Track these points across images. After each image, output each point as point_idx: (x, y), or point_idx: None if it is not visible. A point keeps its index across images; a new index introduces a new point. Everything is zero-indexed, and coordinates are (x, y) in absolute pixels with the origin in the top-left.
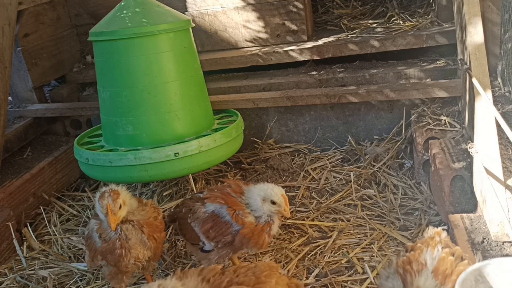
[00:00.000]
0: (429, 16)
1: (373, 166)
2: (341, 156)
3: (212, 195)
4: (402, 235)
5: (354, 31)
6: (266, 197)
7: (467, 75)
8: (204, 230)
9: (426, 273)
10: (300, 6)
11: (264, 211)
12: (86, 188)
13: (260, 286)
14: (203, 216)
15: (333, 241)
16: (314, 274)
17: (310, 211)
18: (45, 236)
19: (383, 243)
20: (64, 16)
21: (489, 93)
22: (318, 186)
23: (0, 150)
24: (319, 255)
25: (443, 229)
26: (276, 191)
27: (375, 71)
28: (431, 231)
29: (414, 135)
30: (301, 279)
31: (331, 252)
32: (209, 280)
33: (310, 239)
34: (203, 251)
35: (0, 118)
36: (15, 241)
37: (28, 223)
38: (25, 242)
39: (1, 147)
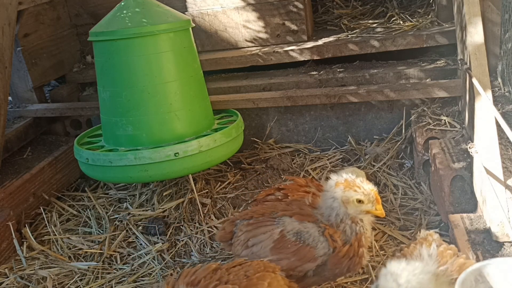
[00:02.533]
0: (429, 16)
1: (373, 166)
2: (341, 156)
3: None
4: (402, 235)
5: (354, 31)
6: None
7: (467, 75)
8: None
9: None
10: (300, 6)
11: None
12: (86, 188)
13: None
14: None
15: None
16: None
17: None
18: (45, 236)
19: (383, 243)
20: (64, 16)
21: (489, 93)
22: None
23: (0, 150)
24: None
25: (435, 232)
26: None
27: (375, 71)
28: (423, 233)
29: (414, 135)
30: None
31: None
32: (200, 281)
33: None
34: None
35: (0, 118)
36: (15, 241)
37: (27, 224)
38: (25, 242)
39: (1, 147)
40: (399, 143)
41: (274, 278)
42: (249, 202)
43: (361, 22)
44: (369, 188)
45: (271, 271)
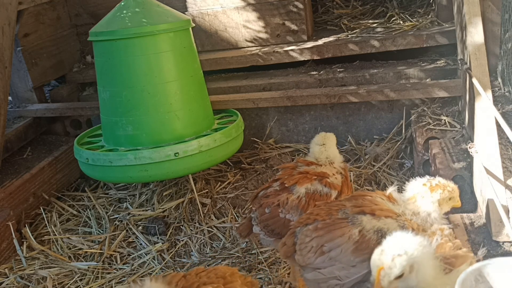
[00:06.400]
0: (429, 16)
1: (373, 166)
2: None
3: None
4: None
5: (354, 31)
6: None
7: (467, 75)
8: None
9: None
10: (300, 6)
11: None
12: (86, 188)
13: (230, 285)
14: None
15: None
16: None
17: None
18: (45, 236)
19: None
20: (64, 16)
21: (489, 93)
22: None
23: (0, 150)
24: None
25: (450, 227)
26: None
27: (375, 71)
28: (434, 227)
29: (414, 135)
30: None
31: None
32: (177, 284)
33: None
34: None
35: (0, 118)
36: (15, 241)
37: (27, 224)
38: (25, 242)
39: (1, 147)
40: (399, 143)
41: (240, 277)
42: (249, 202)
43: (361, 22)
44: (453, 185)
45: (236, 272)
